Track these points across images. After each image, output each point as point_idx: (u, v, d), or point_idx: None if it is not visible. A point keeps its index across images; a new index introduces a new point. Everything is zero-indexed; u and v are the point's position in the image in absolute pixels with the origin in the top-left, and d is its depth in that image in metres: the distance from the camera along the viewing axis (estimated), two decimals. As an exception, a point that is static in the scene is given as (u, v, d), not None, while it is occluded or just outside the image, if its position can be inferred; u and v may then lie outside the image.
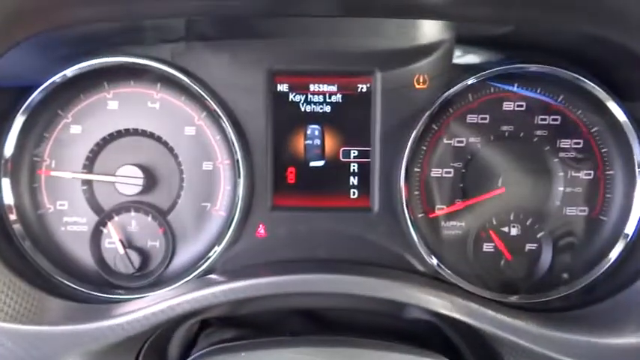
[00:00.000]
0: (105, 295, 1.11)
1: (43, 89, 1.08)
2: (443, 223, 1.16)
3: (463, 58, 1.14)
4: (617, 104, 1.08)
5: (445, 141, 1.16)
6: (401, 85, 1.14)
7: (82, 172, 1.14)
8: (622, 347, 0.93)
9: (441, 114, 1.14)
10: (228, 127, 1.10)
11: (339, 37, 1.13)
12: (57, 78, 1.08)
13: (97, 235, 1.14)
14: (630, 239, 1.10)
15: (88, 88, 1.13)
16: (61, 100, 1.12)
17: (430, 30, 1.11)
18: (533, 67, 1.10)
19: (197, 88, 1.09)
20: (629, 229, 1.10)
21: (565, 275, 1.14)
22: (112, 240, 1.14)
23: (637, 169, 1.09)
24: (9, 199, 1.10)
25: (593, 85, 1.09)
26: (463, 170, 1.15)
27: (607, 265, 1.11)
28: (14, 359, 0.94)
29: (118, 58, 1.09)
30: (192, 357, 0.98)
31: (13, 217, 1.11)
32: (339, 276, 1.00)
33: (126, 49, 1.10)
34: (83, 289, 1.11)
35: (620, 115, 1.08)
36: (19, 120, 1.09)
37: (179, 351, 1.06)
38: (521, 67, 1.10)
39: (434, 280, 1.10)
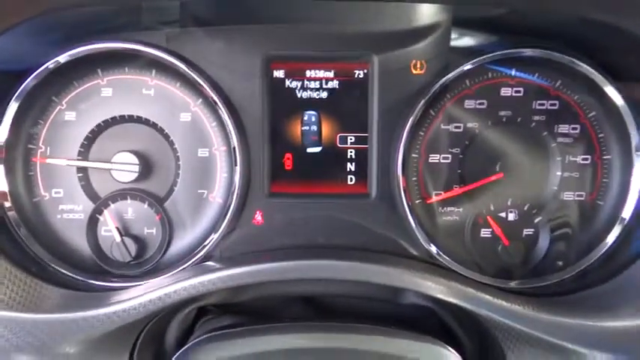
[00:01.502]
0: (101, 283, 1.10)
1: (36, 75, 1.06)
2: (440, 209, 1.16)
3: (460, 42, 1.13)
4: (614, 88, 1.08)
5: (443, 127, 1.15)
6: (398, 71, 1.13)
7: (78, 160, 1.13)
8: (617, 330, 0.94)
9: (439, 99, 1.14)
10: (225, 113, 1.09)
11: (335, 22, 1.12)
12: (50, 64, 1.06)
13: (93, 222, 1.13)
14: (627, 224, 1.10)
15: (82, 74, 1.12)
16: (55, 86, 1.11)
17: (426, 13, 1.10)
18: (529, 52, 1.09)
19: (192, 74, 1.08)
20: (626, 213, 1.10)
21: (560, 261, 1.14)
22: (108, 228, 1.13)
23: (634, 153, 1.09)
24: (3, 186, 1.09)
25: (589, 68, 1.08)
26: (461, 156, 1.15)
27: (603, 250, 1.11)
28: (11, 348, 0.94)
29: (112, 43, 1.08)
30: (189, 344, 0.98)
31: (8, 204, 1.10)
32: (337, 262, 1.00)
33: (120, 35, 1.09)
34: (79, 277, 1.10)
35: (617, 98, 1.08)
36: (13, 106, 1.07)
37: (176, 338, 1.06)
38: (518, 51, 1.10)
39: (431, 266, 1.10)
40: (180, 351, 0.96)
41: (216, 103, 1.09)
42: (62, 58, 1.06)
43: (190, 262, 1.11)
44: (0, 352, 0.93)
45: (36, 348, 0.94)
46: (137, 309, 0.95)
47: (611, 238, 1.11)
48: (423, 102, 1.11)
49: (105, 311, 0.95)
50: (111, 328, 0.95)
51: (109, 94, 1.13)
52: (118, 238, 1.12)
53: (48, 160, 1.12)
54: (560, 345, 0.95)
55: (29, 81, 1.06)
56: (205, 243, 1.12)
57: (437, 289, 0.97)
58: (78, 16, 1.03)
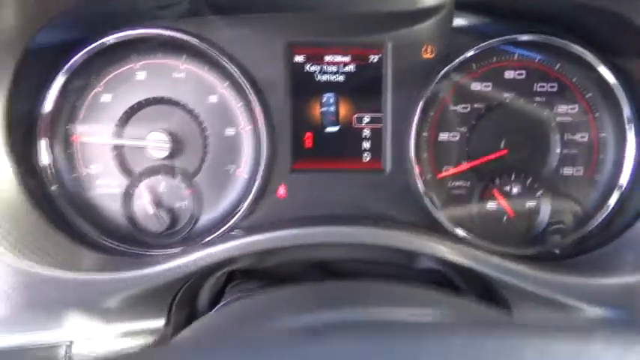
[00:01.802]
0: (138, 251, 1.19)
1: (83, 53, 1.15)
2: (450, 183, 1.25)
3: (465, 28, 1.22)
4: (607, 68, 1.18)
5: (451, 107, 1.25)
6: (409, 55, 1.23)
7: (114, 138, 1.21)
8: (616, 286, 1.03)
9: (447, 82, 1.23)
10: (251, 95, 1.19)
11: (349, 8, 1.20)
12: (96, 45, 1.15)
13: (128, 196, 1.22)
14: (624, 189, 1.20)
15: (118, 58, 1.20)
16: (93, 69, 1.20)
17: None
18: (530, 36, 1.19)
19: (221, 58, 1.17)
20: (623, 179, 1.20)
21: (561, 231, 1.23)
22: (142, 201, 1.22)
23: (626, 125, 1.19)
24: (46, 159, 1.18)
25: (584, 51, 1.18)
26: (468, 134, 1.24)
27: (602, 217, 1.21)
28: (59, 304, 1.02)
29: (151, 30, 1.17)
30: (220, 304, 1.07)
31: (50, 178, 1.18)
32: (356, 227, 1.09)
33: (155, 23, 1.18)
34: (118, 245, 1.19)
35: (610, 77, 1.18)
36: (60, 79, 1.16)
37: (209, 300, 1.14)
38: (518, 36, 1.19)
39: (442, 233, 1.19)
40: (213, 311, 1.05)
41: (242, 85, 1.18)
42: (110, 40, 1.15)
43: (219, 232, 1.20)
44: (49, 307, 1.01)
45: (80, 303, 1.02)
46: (173, 270, 1.03)
47: (609, 204, 1.20)
48: (432, 85, 1.20)
49: (145, 272, 1.03)
50: (148, 288, 1.03)
51: (143, 78, 1.22)
52: (151, 210, 1.21)
53: (85, 139, 1.21)
54: (563, 302, 1.04)
55: (77, 58, 1.15)
56: (233, 214, 1.21)
57: (450, 252, 1.06)
58: (117, 5, 1.13)
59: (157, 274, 1.03)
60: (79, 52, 1.16)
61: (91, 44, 1.16)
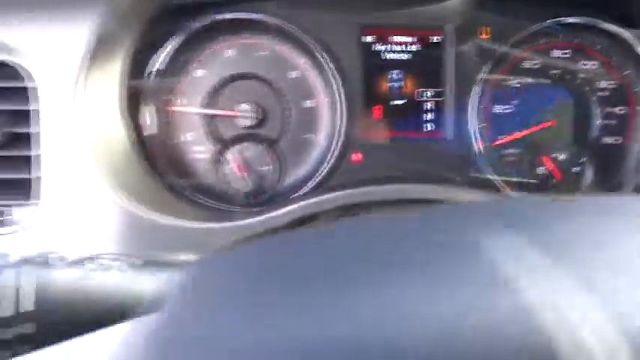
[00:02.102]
0: (231, 209, 1.34)
1: (196, 25, 1.31)
2: (504, 150, 1.41)
3: (518, 13, 1.38)
4: None
5: (505, 83, 1.40)
6: (468, 36, 1.38)
7: (206, 108, 1.36)
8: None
9: (502, 60, 1.39)
10: (328, 71, 1.34)
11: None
12: (207, 20, 1.31)
13: (218, 161, 1.37)
14: None
15: (212, 37, 1.36)
16: (192, 46, 1.35)
17: None
18: (574, 19, 1.35)
19: (305, 39, 1.33)
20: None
21: (602, 189, 1.39)
22: (231, 165, 1.37)
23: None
24: (150, 126, 1.33)
25: (623, 31, 1.34)
26: (520, 107, 1.40)
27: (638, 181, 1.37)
28: (172, 248, 1.16)
29: (240, 13, 1.33)
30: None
31: (153, 143, 1.33)
32: (424, 185, 1.24)
33: (247, 6, 1.33)
34: (213, 204, 1.34)
35: None
36: (172, 44, 1.31)
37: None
38: (564, 19, 1.35)
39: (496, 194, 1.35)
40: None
41: (322, 62, 1.34)
42: (218, 18, 1.31)
43: (300, 192, 1.35)
44: (163, 251, 1.16)
45: (187, 247, 1.16)
46: (281, 218, 1.18)
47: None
48: (489, 63, 1.36)
49: (232, 224, 1.17)
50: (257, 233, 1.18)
51: (232, 55, 1.37)
52: (239, 174, 1.36)
53: (182, 109, 1.36)
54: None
55: (190, 30, 1.30)
56: (313, 178, 1.36)
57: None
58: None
59: (272, 219, 1.17)
60: (189, 24, 1.31)
61: (202, 19, 1.31)
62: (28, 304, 0.54)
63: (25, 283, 0.55)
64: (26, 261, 0.59)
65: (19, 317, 0.54)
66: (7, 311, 0.54)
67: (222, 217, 1.22)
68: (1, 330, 0.53)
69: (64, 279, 0.58)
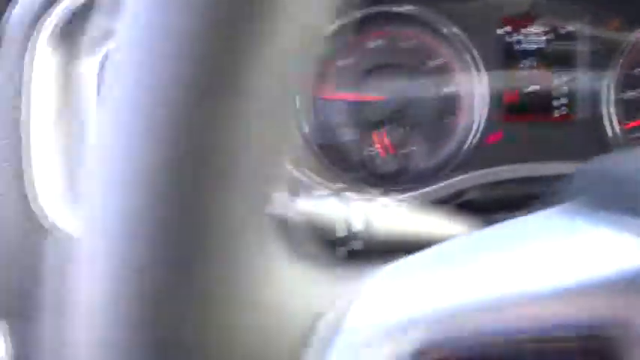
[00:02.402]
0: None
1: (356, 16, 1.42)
2: (635, 133, 1.48)
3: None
4: None
5: (633, 70, 1.47)
6: (599, 27, 1.46)
7: (353, 95, 1.47)
8: None
9: (630, 49, 1.46)
10: (468, 60, 1.43)
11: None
12: (363, 11, 1.42)
13: (362, 144, 1.47)
14: None
15: (358, 30, 1.47)
16: (340, 38, 1.46)
17: None
18: None
19: (448, 29, 1.43)
20: None
21: None
22: (374, 147, 1.47)
23: None
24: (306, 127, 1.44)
25: None
26: (647, 91, 1.47)
27: None
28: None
29: (387, 7, 1.44)
30: None
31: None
32: (556, 164, 1.33)
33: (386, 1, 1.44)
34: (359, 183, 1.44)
35: None
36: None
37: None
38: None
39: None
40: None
41: (462, 51, 1.43)
42: (372, 11, 1.42)
43: (442, 173, 1.44)
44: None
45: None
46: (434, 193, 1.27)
47: None
48: (618, 52, 1.44)
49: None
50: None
51: (374, 46, 1.48)
52: (383, 155, 1.46)
53: (331, 96, 1.47)
54: None
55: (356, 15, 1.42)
56: (454, 158, 1.45)
57: None
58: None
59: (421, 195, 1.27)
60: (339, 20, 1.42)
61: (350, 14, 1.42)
62: (357, 226, 0.65)
63: (353, 208, 0.65)
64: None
65: (350, 236, 0.65)
66: (342, 232, 0.64)
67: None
68: (338, 248, 0.64)
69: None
